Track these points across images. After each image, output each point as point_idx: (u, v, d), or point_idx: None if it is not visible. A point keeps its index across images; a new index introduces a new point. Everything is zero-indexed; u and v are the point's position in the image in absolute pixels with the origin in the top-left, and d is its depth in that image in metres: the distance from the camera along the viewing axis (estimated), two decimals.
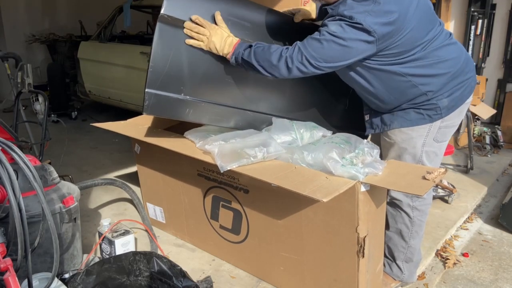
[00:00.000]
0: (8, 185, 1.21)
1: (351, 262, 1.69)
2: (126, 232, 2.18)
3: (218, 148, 1.76)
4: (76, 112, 5.41)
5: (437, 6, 4.40)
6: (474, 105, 3.97)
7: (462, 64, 1.76)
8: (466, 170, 3.69)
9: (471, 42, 4.65)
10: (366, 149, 1.74)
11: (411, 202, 1.92)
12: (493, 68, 4.82)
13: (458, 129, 3.73)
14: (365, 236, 1.65)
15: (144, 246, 2.40)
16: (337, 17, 1.58)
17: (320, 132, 1.96)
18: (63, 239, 1.85)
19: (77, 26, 6.17)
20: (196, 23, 1.72)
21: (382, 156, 1.91)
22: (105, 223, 2.21)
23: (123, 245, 2.14)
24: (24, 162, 1.27)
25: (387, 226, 1.97)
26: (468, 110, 3.72)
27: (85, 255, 2.07)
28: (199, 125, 2.10)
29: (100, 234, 2.21)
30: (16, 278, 1.23)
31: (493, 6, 4.67)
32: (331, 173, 1.61)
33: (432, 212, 2.85)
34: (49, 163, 2.13)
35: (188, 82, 1.78)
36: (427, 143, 1.81)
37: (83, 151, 4.15)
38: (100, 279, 1.70)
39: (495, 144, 4.35)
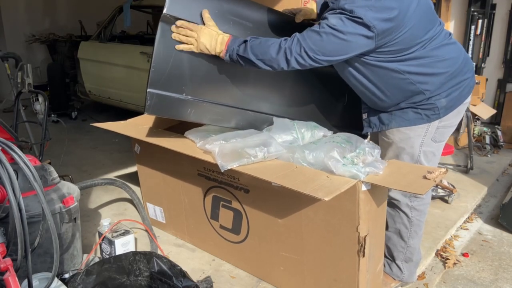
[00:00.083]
0: (8, 185, 1.21)
1: (351, 262, 1.69)
2: (126, 232, 2.18)
3: (218, 148, 1.76)
4: (76, 112, 5.41)
5: (437, 6, 4.40)
6: (474, 105, 3.97)
7: (460, 64, 1.76)
8: (466, 170, 3.69)
9: (471, 42, 4.65)
10: (367, 149, 1.74)
11: (409, 202, 1.92)
12: (493, 68, 4.82)
13: (458, 129, 3.74)
14: (366, 236, 1.65)
15: (144, 246, 2.40)
16: (338, 11, 1.57)
17: (321, 132, 1.97)
18: (63, 239, 1.85)
19: (77, 26, 6.17)
20: (182, 28, 1.70)
21: (380, 156, 1.91)
22: (105, 223, 2.21)
23: (123, 245, 2.14)
24: (24, 162, 1.27)
25: (386, 226, 1.97)
26: (468, 110, 3.72)
27: (85, 255, 2.07)
28: (200, 125, 2.10)
29: (100, 234, 2.21)
30: (16, 278, 1.23)
31: (493, 6, 4.67)
32: (332, 172, 1.61)
33: (432, 212, 2.85)
34: (49, 163, 2.13)
35: (190, 82, 1.78)
36: (425, 143, 1.81)
37: (83, 151, 4.15)
38: (100, 279, 1.70)
39: (495, 144, 4.35)
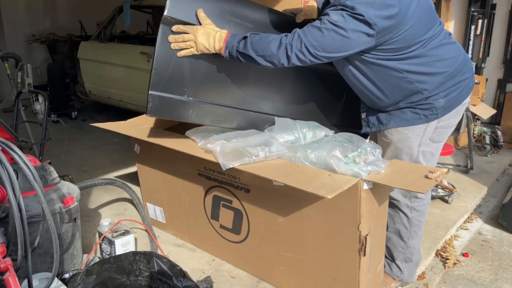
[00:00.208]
0: (8, 185, 1.21)
1: (352, 261, 1.69)
2: (126, 232, 2.18)
3: (220, 147, 1.76)
4: (76, 112, 5.41)
5: (437, 6, 4.40)
6: (474, 105, 3.97)
7: (459, 64, 1.76)
8: (466, 170, 3.69)
9: (471, 42, 4.65)
10: (369, 149, 1.74)
11: (409, 203, 1.92)
12: (493, 68, 4.82)
13: (458, 129, 3.73)
14: (367, 235, 1.64)
15: (144, 246, 2.40)
16: (339, 7, 1.56)
17: (322, 132, 1.97)
18: (63, 239, 1.85)
19: (77, 26, 6.17)
20: (178, 32, 1.69)
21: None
22: (105, 223, 2.21)
23: (123, 245, 2.13)
24: (24, 162, 1.27)
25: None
26: (468, 110, 3.72)
27: (85, 255, 2.06)
28: (200, 125, 2.09)
29: (100, 234, 2.20)
30: (16, 278, 1.23)
31: (493, 6, 4.67)
32: (334, 170, 1.61)
33: (432, 212, 2.85)
34: (49, 163, 2.12)
35: (191, 84, 1.78)
36: (424, 143, 1.81)
37: (83, 151, 4.15)
38: (100, 279, 1.70)
39: (495, 144, 4.35)
